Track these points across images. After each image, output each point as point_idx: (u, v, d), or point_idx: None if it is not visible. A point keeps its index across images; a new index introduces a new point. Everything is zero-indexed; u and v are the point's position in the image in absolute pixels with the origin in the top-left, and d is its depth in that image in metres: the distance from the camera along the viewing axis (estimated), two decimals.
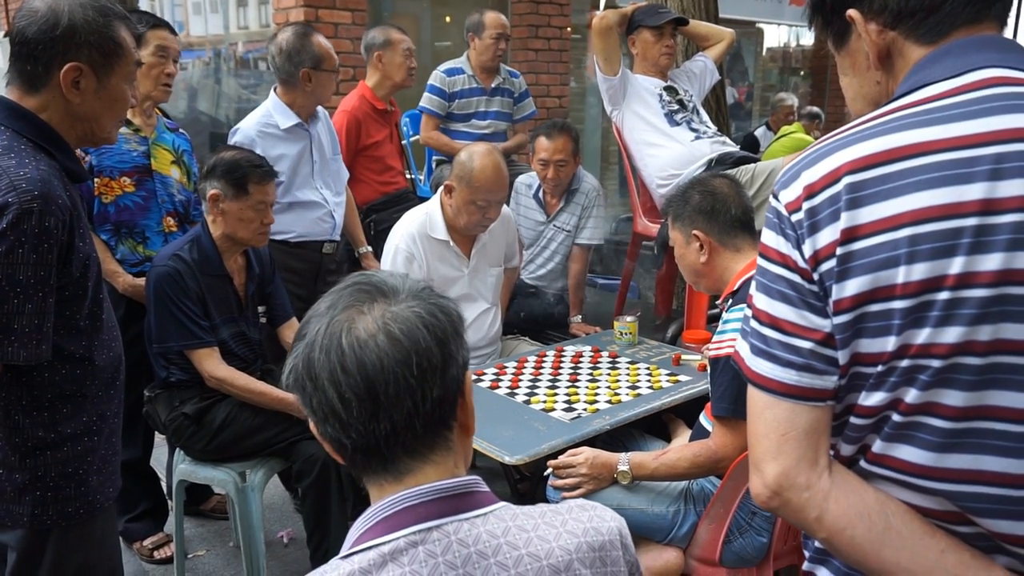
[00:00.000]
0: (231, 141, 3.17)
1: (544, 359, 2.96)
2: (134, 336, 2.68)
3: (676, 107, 3.75)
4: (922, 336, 0.90)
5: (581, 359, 2.96)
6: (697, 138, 3.66)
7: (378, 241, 3.43)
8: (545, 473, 2.28)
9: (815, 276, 0.95)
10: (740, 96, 10.25)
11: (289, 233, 3.28)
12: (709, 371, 2.13)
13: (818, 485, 0.98)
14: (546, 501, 2.22)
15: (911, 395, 0.93)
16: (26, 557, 1.69)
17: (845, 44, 1.08)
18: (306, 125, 3.29)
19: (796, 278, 0.97)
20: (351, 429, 0.94)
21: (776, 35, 11.09)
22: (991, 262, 0.88)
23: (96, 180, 2.78)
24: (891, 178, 0.91)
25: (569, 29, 6.99)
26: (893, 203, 0.91)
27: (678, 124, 3.70)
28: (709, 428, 2.15)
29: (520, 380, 2.74)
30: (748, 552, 2.11)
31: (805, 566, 1.14)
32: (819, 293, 0.96)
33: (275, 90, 3.30)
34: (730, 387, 1.97)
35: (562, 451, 2.25)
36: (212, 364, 2.59)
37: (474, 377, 2.76)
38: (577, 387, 2.66)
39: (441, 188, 3.04)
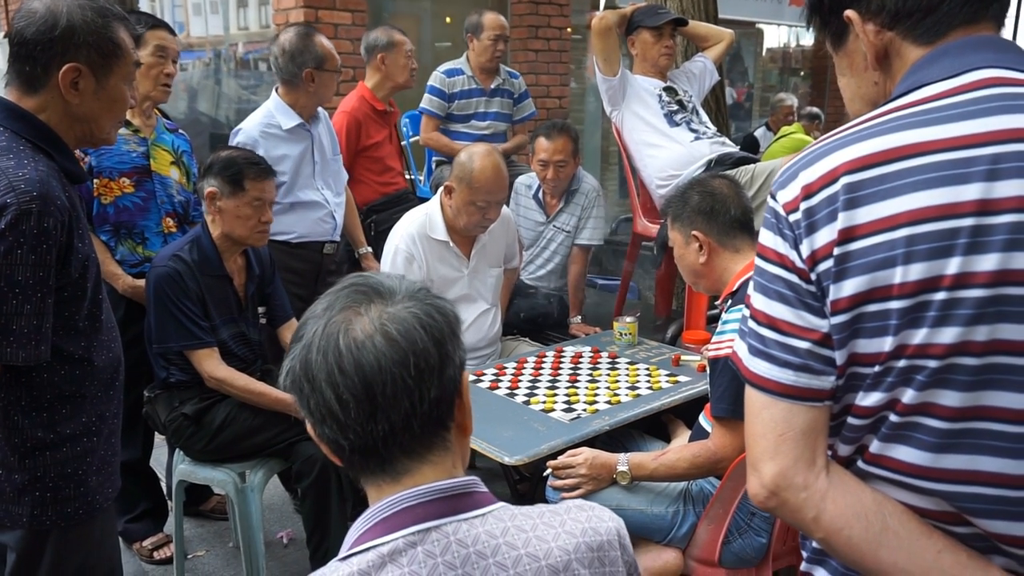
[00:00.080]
0: (233, 142, 3.17)
1: (544, 360, 2.96)
2: (134, 337, 2.68)
3: (675, 108, 3.75)
4: (919, 336, 0.90)
5: (581, 360, 2.96)
6: (697, 139, 3.66)
7: (378, 242, 3.43)
8: (544, 474, 2.28)
9: (812, 276, 0.95)
10: (739, 96, 10.26)
11: (290, 234, 3.28)
12: (708, 372, 2.14)
13: (815, 485, 0.98)
14: (545, 501, 2.22)
15: (908, 395, 0.93)
16: (25, 557, 1.69)
17: (843, 44, 1.08)
18: (308, 125, 3.29)
19: (794, 278, 0.97)
20: (349, 430, 0.94)
21: (776, 35, 11.09)
22: (988, 262, 0.88)
23: (95, 181, 2.78)
24: (888, 178, 0.92)
25: (569, 30, 7.00)
26: (890, 203, 0.91)
27: (677, 125, 3.70)
28: (708, 429, 2.15)
29: (520, 380, 2.74)
30: (747, 553, 2.11)
31: (803, 566, 1.14)
32: (816, 293, 0.96)
33: (277, 90, 3.30)
34: (729, 388, 1.97)
35: (561, 451, 2.25)
36: (212, 364, 2.59)
37: (474, 377, 2.76)
38: (577, 388, 2.66)
39: (441, 189, 3.04)
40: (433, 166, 4.74)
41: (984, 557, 0.97)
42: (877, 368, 0.94)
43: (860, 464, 1.01)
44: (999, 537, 0.95)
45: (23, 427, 1.65)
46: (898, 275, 0.90)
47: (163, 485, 3.15)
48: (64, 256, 1.60)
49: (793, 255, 0.97)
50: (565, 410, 2.48)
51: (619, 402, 2.53)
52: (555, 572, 0.97)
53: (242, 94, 7.52)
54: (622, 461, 2.17)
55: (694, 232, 2.19)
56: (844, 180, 0.93)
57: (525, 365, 2.90)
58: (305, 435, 2.56)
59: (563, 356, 2.99)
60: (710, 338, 2.21)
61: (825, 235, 0.94)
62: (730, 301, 2.12)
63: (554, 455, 2.25)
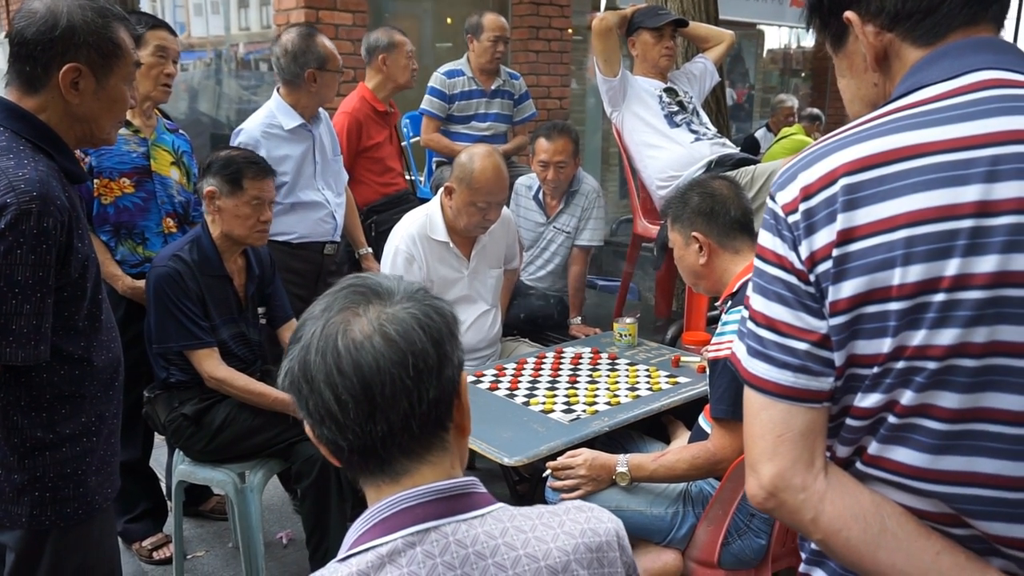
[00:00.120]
0: (235, 142, 3.17)
1: (543, 361, 2.96)
2: (133, 337, 2.68)
3: (676, 109, 3.75)
4: (918, 338, 0.90)
5: (580, 360, 2.96)
6: (697, 140, 3.66)
7: (379, 242, 3.43)
8: (544, 475, 2.28)
9: (811, 277, 0.95)
10: (739, 98, 10.25)
11: (291, 234, 3.28)
12: (708, 373, 2.13)
13: (814, 487, 0.98)
14: (545, 502, 2.22)
15: (907, 397, 0.93)
16: (24, 558, 1.69)
17: (843, 46, 1.08)
18: (309, 126, 3.30)
19: (792, 279, 0.97)
20: (348, 431, 0.94)
21: (777, 36, 11.09)
22: (987, 264, 0.88)
23: (95, 181, 2.78)
24: (888, 180, 0.91)
25: (570, 31, 7.00)
26: (889, 205, 0.91)
27: (678, 126, 3.70)
28: (708, 430, 2.15)
29: (519, 381, 2.74)
30: (746, 554, 2.11)
31: (801, 568, 1.14)
32: (815, 295, 0.96)
33: (278, 91, 3.30)
34: (729, 389, 1.97)
35: (561, 452, 2.25)
36: (212, 365, 2.59)
37: (473, 378, 2.76)
38: (576, 388, 2.66)
39: (441, 190, 3.04)
40: (433, 167, 4.75)
41: (982, 559, 0.97)
42: (876, 369, 0.93)
43: (858, 465, 1.01)
44: (997, 539, 0.95)
45: (22, 427, 1.65)
46: (897, 276, 0.90)
47: (163, 485, 3.15)
48: (64, 256, 1.60)
49: (792, 256, 0.97)
50: (565, 411, 2.48)
51: (619, 403, 2.53)
52: (554, 573, 0.97)
53: (243, 94, 7.53)
54: (621, 462, 2.17)
55: (694, 233, 2.19)
56: (843, 181, 0.93)
57: (525, 366, 2.90)
58: (305, 436, 2.55)
59: (563, 357, 2.99)
60: (710, 339, 2.21)
61: (824, 236, 0.94)
62: (730, 302, 2.12)
63: (553, 456, 2.25)
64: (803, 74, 11.37)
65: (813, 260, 0.95)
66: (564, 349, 3.11)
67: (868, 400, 0.95)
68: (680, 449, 2.16)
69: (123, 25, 1.69)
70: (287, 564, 3.03)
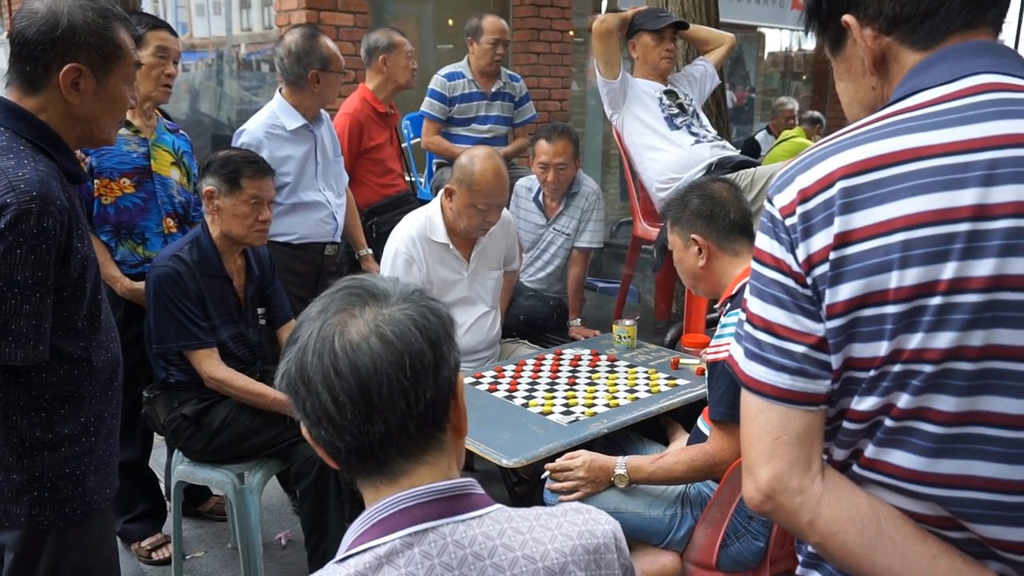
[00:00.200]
0: (237, 142, 3.18)
1: (543, 362, 2.96)
2: (133, 337, 2.68)
3: (676, 111, 3.75)
4: (915, 341, 0.90)
5: (580, 362, 2.96)
6: (697, 142, 3.66)
7: (380, 243, 3.43)
8: (542, 476, 2.28)
9: (809, 280, 0.96)
10: (739, 100, 10.25)
11: (291, 235, 3.29)
12: (707, 375, 2.14)
13: (811, 489, 0.98)
14: (543, 504, 2.22)
15: (903, 400, 0.93)
16: (23, 558, 1.69)
17: (841, 49, 1.08)
18: (311, 126, 3.30)
19: (790, 282, 0.97)
20: (345, 432, 0.95)
21: (778, 39, 11.09)
22: (984, 267, 0.88)
23: (96, 181, 2.78)
24: (885, 183, 0.92)
25: (571, 32, 7.00)
26: (887, 208, 0.91)
27: (678, 128, 3.70)
28: (707, 432, 2.15)
29: (518, 383, 2.75)
30: (745, 556, 2.11)
31: (798, 570, 1.14)
32: (812, 297, 0.96)
33: (280, 91, 3.31)
34: (727, 391, 1.97)
35: (560, 454, 2.25)
36: (211, 365, 2.59)
37: (472, 380, 2.77)
38: (575, 390, 2.66)
39: (441, 191, 3.05)
40: (434, 168, 4.75)
41: (979, 562, 0.97)
42: (872, 372, 0.94)
43: (855, 468, 1.01)
44: (994, 542, 0.95)
45: (21, 427, 1.65)
46: (894, 279, 0.90)
47: (162, 486, 3.15)
48: (63, 256, 1.60)
49: (789, 259, 0.97)
50: (563, 413, 2.48)
51: (617, 405, 2.53)
52: (551, 574, 0.97)
53: (244, 95, 7.53)
54: (620, 464, 2.17)
55: (693, 235, 2.20)
56: (840, 184, 0.93)
57: (524, 368, 2.90)
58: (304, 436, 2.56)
59: (562, 359, 3.00)
60: (709, 341, 2.21)
61: (821, 239, 0.94)
62: (729, 304, 2.12)
63: (552, 458, 2.25)
64: (804, 77, 11.38)
65: (810, 263, 0.95)
66: (563, 351, 3.11)
67: (865, 403, 0.95)
68: (679, 451, 2.17)
69: (124, 25, 1.70)
70: (286, 565, 3.03)
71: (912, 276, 0.89)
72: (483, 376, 2.81)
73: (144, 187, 2.87)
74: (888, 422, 0.95)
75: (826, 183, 0.94)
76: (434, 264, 3.05)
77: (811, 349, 0.96)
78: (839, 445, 1.01)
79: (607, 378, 2.77)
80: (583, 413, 2.47)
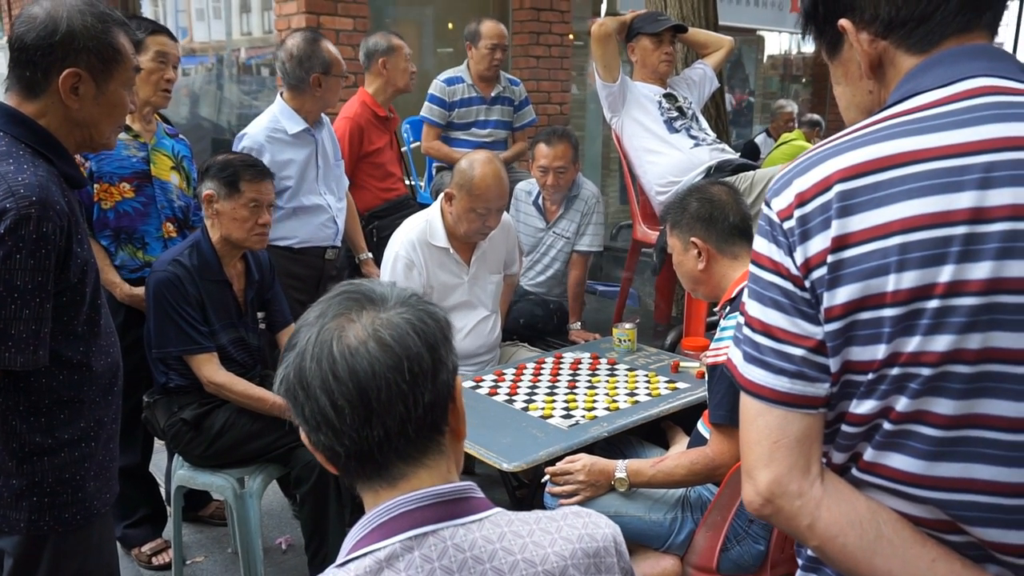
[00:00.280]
0: (238, 147, 3.18)
1: (543, 366, 2.96)
2: (133, 342, 2.68)
3: (675, 114, 3.76)
4: (912, 344, 0.90)
5: (580, 366, 2.96)
6: (696, 145, 3.66)
7: (381, 248, 3.43)
8: (543, 480, 2.28)
9: (807, 283, 0.96)
10: (736, 102, 10.25)
11: (292, 239, 3.29)
12: (707, 378, 2.14)
13: (810, 493, 0.98)
14: (544, 508, 2.22)
15: (902, 403, 0.93)
16: (23, 563, 1.69)
17: (838, 53, 1.09)
18: (312, 130, 3.31)
19: (788, 285, 0.97)
20: (344, 436, 0.95)
21: (777, 42, 11.10)
22: (981, 271, 0.88)
23: (95, 186, 2.78)
24: (882, 186, 0.92)
25: (570, 36, 7.01)
26: (884, 211, 0.91)
27: (677, 131, 3.71)
28: (707, 435, 2.15)
29: (518, 387, 2.74)
30: (745, 560, 2.11)
31: (798, 574, 1.14)
32: (811, 300, 0.96)
33: (281, 95, 3.31)
34: (727, 394, 1.97)
35: (560, 458, 2.25)
36: (211, 369, 2.59)
37: (472, 383, 2.77)
38: (575, 394, 2.66)
39: (441, 195, 3.05)
40: (434, 172, 4.76)
41: (978, 566, 0.97)
42: (871, 376, 0.94)
43: (854, 472, 1.01)
44: (993, 545, 0.95)
45: (21, 432, 1.65)
46: (891, 283, 0.90)
47: (162, 490, 3.15)
48: (63, 261, 1.61)
49: (787, 262, 0.97)
50: (563, 416, 2.48)
51: (618, 408, 2.53)
52: None
53: (244, 99, 7.54)
54: (620, 468, 2.17)
55: (693, 239, 2.20)
56: (838, 188, 0.93)
57: (524, 371, 2.90)
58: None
59: (562, 362, 3.00)
60: (709, 345, 2.21)
61: (819, 243, 0.94)
62: (728, 308, 2.12)
63: (552, 461, 2.25)
64: (803, 80, 11.39)
65: (808, 266, 0.95)
66: (563, 354, 3.11)
67: (863, 406, 0.95)
68: (679, 455, 2.16)
69: (123, 30, 1.70)
70: (286, 569, 3.03)
71: (909, 279, 0.89)
72: (483, 380, 2.81)
73: (144, 192, 2.87)
74: (887, 425, 0.95)
75: (823, 186, 0.95)
76: (434, 268, 3.06)
77: (810, 352, 0.96)
78: (838, 448, 1.01)
79: (607, 381, 2.77)
80: (583, 417, 2.47)
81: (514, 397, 2.65)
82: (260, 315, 2.87)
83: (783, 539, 2.10)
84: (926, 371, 0.90)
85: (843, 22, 1.03)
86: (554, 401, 2.60)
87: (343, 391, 0.93)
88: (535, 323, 3.73)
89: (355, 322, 0.96)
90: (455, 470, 1.04)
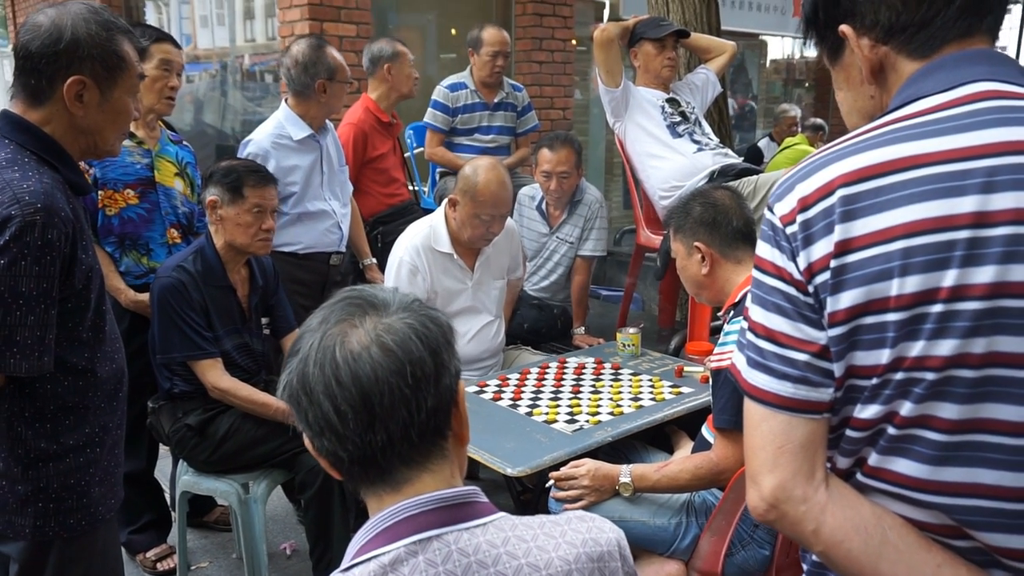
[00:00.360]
0: (243, 153, 3.19)
1: (546, 371, 2.96)
2: (138, 348, 2.69)
3: (678, 119, 3.76)
4: (916, 349, 0.90)
5: (584, 371, 2.96)
6: (699, 150, 3.67)
7: (385, 253, 3.44)
8: (547, 485, 2.27)
9: (810, 288, 0.96)
10: (739, 107, 10.25)
11: (297, 244, 3.30)
12: (711, 383, 2.13)
13: (815, 498, 0.98)
14: (548, 513, 2.21)
15: (906, 408, 0.93)
16: (28, 568, 1.69)
17: (839, 59, 1.09)
18: (317, 136, 3.31)
19: (791, 290, 0.97)
20: (347, 441, 0.95)
21: (780, 47, 11.10)
22: (984, 275, 0.88)
23: (100, 192, 2.79)
24: (884, 191, 0.92)
25: (573, 42, 7.02)
26: (886, 216, 0.91)
27: (680, 136, 3.71)
28: (711, 440, 2.15)
29: (522, 392, 2.74)
30: (750, 565, 2.11)
31: None
32: (814, 305, 0.96)
33: (286, 101, 3.32)
34: (731, 399, 1.97)
35: (564, 463, 2.25)
36: (215, 375, 2.59)
37: (476, 388, 2.77)
38: (579, 399, 2.66)
39: (445, 201, 3.05)
40: (437, 177, 4.76)
41: (984, 571, 0.97)
42: (875, 380, 0.93)
43: (859, 477, 1.00)
44: (998, 550, 0.95)
45: (26, 438, 1.65)
46: (894, 287, 0.90)
47: (167, 496, 3.15)
48: (68, 267, 1.61)
49: (790, 267, 0.97)
50: (568, 421, 2.48)
51: (622, 413, 2.53)
52: None
53: (248, 106, 7.56)
54: (624, 472, 2.17)
55: (696, 243, 2.20)
56: (840, 192, 0.94)
57: (528, 376, 2.90)
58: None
59: (566, 367, 2.99)
60: (713, 349, 2.21)
61: (822, 247, 0.94)
62: (732, 312, 2.12)
63: (557, 466, 2.24)
64: (806, 84, 11.38)
65: (811, 271, 0.95)
66: (567, 359, 3.11)
67: (867, 411, 0.95)
68: (683, 459, 2.16)
69: (127, 38, 1.70)
70: (291, 575, 3.02)
71: (913, 284, 0.89)
72: (487, 385, 2.81)
73: (148, 198, 2.88)
74: (891, 430, 0.95)
75: (826, 191, 0.95)
76: (438, 274, 3.06)
77: (813, 357, 0.96)
78: (842, 453, 1.01)
79: (611, 386, 2.77)
80: (587, 421, 2.47)
81: (518, 402, 2.65)
82: (264, 320, 2.87)
83: (788, 544, 2.10)
84: (930, 375, 0.90)
85: (844, 28, 1.03)
86: (558, 406, 2.60)
87: (346, 396, 0.93)
88: (539, 328, 3.73)
89: (358, 327, 0.96)
90: (459, 475, 1.04)
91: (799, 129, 7.53)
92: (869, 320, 0.92)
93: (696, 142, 3.70)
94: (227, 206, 2.61)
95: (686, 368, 2.93)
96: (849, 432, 0.99)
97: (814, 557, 1.08)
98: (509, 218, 3.22)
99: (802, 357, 0.97)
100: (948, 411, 0.91)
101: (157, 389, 2.70)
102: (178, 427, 2.61)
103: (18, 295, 1.53)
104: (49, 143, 1.65)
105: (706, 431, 2.24)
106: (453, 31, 7.02)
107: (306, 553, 2.73)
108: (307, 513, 2.62)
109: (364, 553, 0.95)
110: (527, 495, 2.72)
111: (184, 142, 3.12)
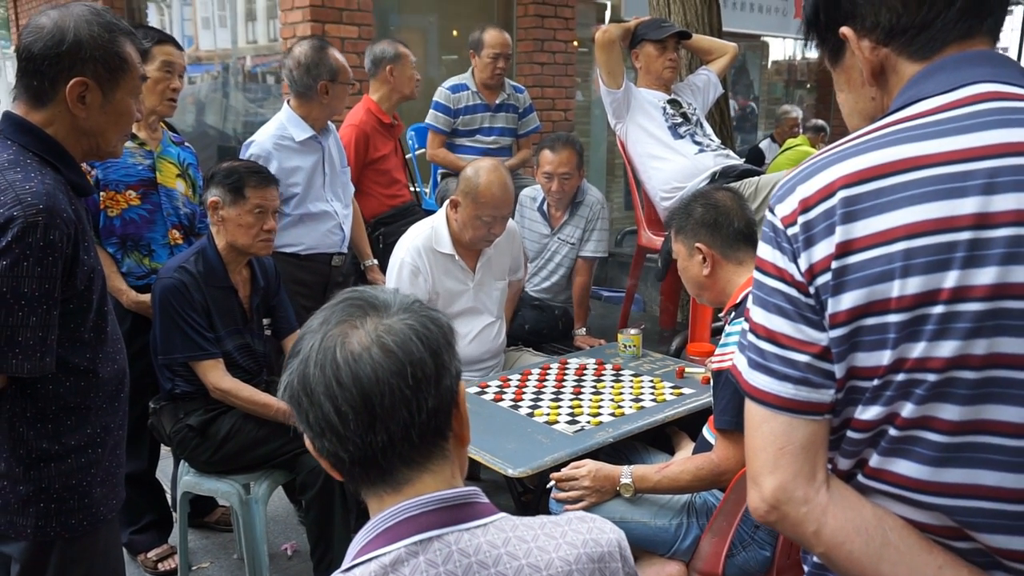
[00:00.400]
0: (246, 154, 3.19)
1: (548, 371, 2.96)
2: (140, 348, 2.69)
3: (680, 120, 3.76)
4: (917, 350, 0.90)
5: (585, 371, 2.96)
6: (701, 151, 3.67)
7: (386, 254, 3.44)
8: (548, 486, 2.27)
9: (811, 290, 0.96)
10: (740, 108, 10.24)
11: (299, 245, 3.30)
12: (712, 384, 2.13)
13: (816, 499, 0.98)
14: (549, 514, 2.21)
15: (907, 409, 0.93)
16: (29, 568, 1.70)
17: (840, 61, 1.09)
18: (319, 137, 3.32)
19: (792, 291, 0.97)
20: (348, 442, 0.95)
21: (781, 48, 11.10)
22: (985, 276, 0.88)
23: (102, 194, 2.80)
24: (885, 192, 0.92)
25: (575, 43, 7.02)
26: (887, 217, 0.91)
27: (682, 137, 3.71)
28: (712, 441, 2.15)
29: (524, 392, 2.75)
30: (751, 566, 2.11)
31: None
32: (815, 306, 0.96)
33: (288, 103, 3.32)
34: (732, 400, 1.97)
35: (565, 464, 2.25)
36: (216, 376, 2.60)
37: (477, 389, 2.77)
38: (580, 399, 2.66)
39: (447, 202, 3.06)
40: (439, 179, 4.77)
41: (985, 573, 0.97)
42: (876, 382, 0.93)
43: (860, 478, 1.00)
44: (1000, 552, 0.95)
45: (28, 438, 1.66)
46: (896, 288, 0.90)
47: (168, 496, 3.15)
48: (70, 268, 1.61)
49: (792, 268, 0.97)
50: (569, 422, 2.48)
51: (623, 414, 2.53)
52: None
53: (250, 107, 7.56)
54: (625, 473, 2.17)
55: (697, 244, 2.20)
56: (841, 194, 0.94)
57: (529, 377, 2.90)
58: None
59: (567, 368, 3.00)
60: (714, 350, 2.21)
61: (823, 249, 0.94)
62: (733, 313, 2.12)
63: (558, 467, 2.24)
64: (808, 85, 11.38)
65: (812, 272, 0.95)
66: (568, 360, 3.11)
67: (869, 412, 0.95)
68: (684, 460, 2.16)
69: (129, 39, 1.71)
70: (292, 575, 3.03)
71: (914, 285, 0.89)
72: (488, 385, 2.82)
73: (150, 199, 2.88)
74: (892, 431, 0.95)
75: (827, 192, 0.95)
76: (440, 275, 3.06)
77: (814, 358, 0.96)
78: (843, 455, 1.01)
79: (612, 387, 2.77)
80: (588, 422, 2.47)
81: (519, 403, 2.65)
82: (265, 321, 2.88)
83: (789, 545, 2.10)
84: (932, 377, 0.90)
85: (844, 30, 1.03)
86: (559, 407, 2.60)
87: (347, 397, 0.93)
88: (540, 329, 3.74)
89: (358, 328, 0.97)
90: (459, 475, 1.04)
91: (800, 130, 7.53)
92: (870, 321, 0.92)
93: (697, 143, 3.70)
94: (229, 207, 2.61)
95: (687, 369, 2.93)
96: (850, 433, 0.99)
97: (815, 558, 1.08)
98: (511, 219, 3.22)
99: (803, 358, 0.97)
100: (949, 412, 0.91)
101: (159, 390, 2.71)
102: (179, 428, 2.62)
103: (20, 296, 1.53)
104: (51, 144, 1.65)
105: (707, 432, 2.24)
106: (455, 32, 7.03)
107: (307, 554, 2.73)
108: (308, 514, 2.63)
109: (365, 554, 0.95)
110: (528, 496, 2.72)
111: (186, 143, 3.13)
